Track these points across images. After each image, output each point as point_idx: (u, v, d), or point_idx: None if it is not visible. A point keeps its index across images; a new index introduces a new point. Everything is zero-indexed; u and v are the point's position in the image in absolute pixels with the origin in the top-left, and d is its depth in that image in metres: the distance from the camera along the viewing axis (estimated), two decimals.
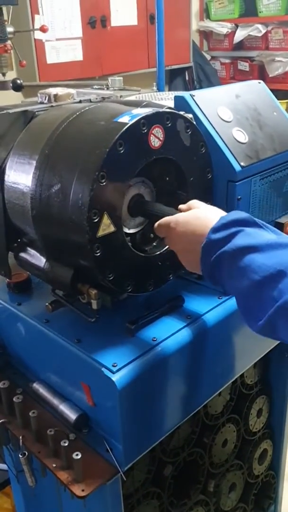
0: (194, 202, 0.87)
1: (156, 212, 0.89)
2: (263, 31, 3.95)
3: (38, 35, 2.80)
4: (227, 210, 1.02)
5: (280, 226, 1.15)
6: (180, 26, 3.70)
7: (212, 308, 1.05)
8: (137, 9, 3.27)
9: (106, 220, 0.82)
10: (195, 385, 1.05)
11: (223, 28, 4.12)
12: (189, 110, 1.00)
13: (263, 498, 1.65)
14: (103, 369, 0.90)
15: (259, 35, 3.98)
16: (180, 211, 0.87)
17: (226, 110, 1.06)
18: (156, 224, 0.87)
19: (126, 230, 0.94)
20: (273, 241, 0.72)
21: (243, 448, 1.48)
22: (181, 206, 0.88)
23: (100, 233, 0.82)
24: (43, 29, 2.45)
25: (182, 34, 3.73)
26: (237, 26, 4.11)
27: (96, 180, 0.78)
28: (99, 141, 0.80)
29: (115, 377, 0.88)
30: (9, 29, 2.28)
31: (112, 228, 0.83)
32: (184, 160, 0.93)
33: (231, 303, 1.07)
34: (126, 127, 0.80)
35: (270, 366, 1.51)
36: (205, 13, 4.29)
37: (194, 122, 0.97)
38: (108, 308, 1.02)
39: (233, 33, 4.13)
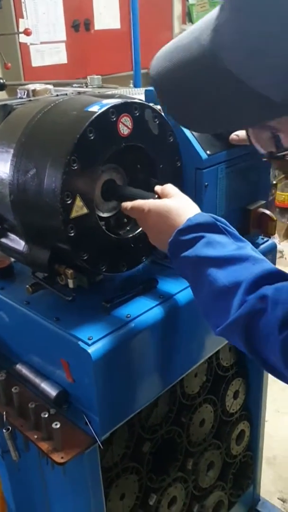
0: (168, 188, 0.94)
1: (128, 195, 0.95)
2: None
3: (23, 38, 2.87)
4: (196, 195, 1.10)
5: (248, 212, 1.22)
6: (163, 29, 3.79)
7: (183, 289, 1.12)
8: (119, 13, 3.35)
9: (78, 202, 0.88)
10: (168, 360, 1.12)
11: None
12: (158, 102, 1.07)
13: (242, 478, 1.72)
14: (79, 342, 0.96)
15: None
16: (156, 193, 0.94)
17: None
18: (129, 205, 0.93)
19: (100, 214, 1.01)
20: (231, 255, 0.79)
21: (220, 428, 1.55)
22: (156, 188, 0.95)
23: (73, 214, 0.88)
24: (26, 32, 2.53)
25: (165, 37, 3.82)
26: None
27: (68, 164, 0.85)
28: (70, 128, 0.87)
29: (90, 349, 0.94)
30: None
31: (85, 210, 0.90)
32: (153, 148, 1.00)
33: None
34: (95, 115, 0.87)
35: None
36: (187, 16, 4.38)
37: (163, 113, 1.04)
38: (85, 289, 1.09)
39: None
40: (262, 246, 1.34)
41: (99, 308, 1.05)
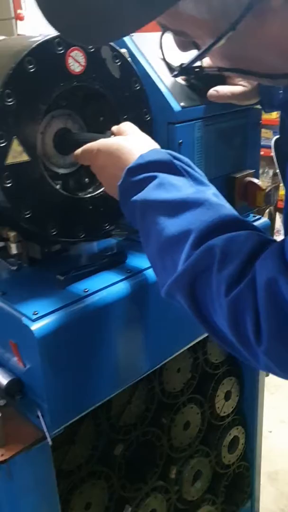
0: (124, 126, 0.80)
1: (82, 141, 0.82)
2: None
3: (21, 29, 2.79)
4: None
5: (232, 181, 1.07)
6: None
7: None
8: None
9: (16, 146, 0.75)
10: (137, 346, 0.97)
11: None
12: (125, 47, 0.94)
13: (236, 492, 1.54)
14: (23, 318, 0.82)
15: None
16: (112, 133, 0.81)
17: (171, 52, 0.99)
18: (79, 150, 0.79)
19: (55, 169, 0.88)
20: (183, 198, 0.64)
21: (209, 433, 1.38)
22: (113, 128, 0.81)
23: (10, 160, 0.75)
24: (19, 17, 2.44)
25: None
26: None
27: (1, 98, 0.71)
28: (8, 60, 0.74)
29: (34, 326, 0.80)
30: None
31: (25, 157, 0.76)
32: (114, 94, 0.86)
33: None
34: (36, 43, 0.74)
35: None
36: None
37: (129, 58, 0.90)
38: (41, 261, 0.95)
39: None
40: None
41: (53, 282, 0.90)
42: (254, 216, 1.22)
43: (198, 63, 0.63)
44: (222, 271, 0.56)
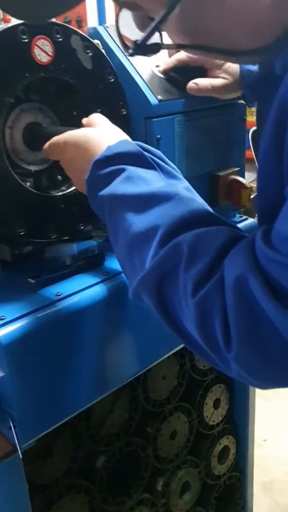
0: (94, 117, 0.76)
1: (51, 134, 0.77)
2: None
3: None
4: None
5: (216, 179, 1.03)
6: None
7: None
8: (114, 9, 3.23)
9: None
10: (115, 353, 0.92)
11: None
12: (99, 38, 0.90)
13: (227, 504, 1.48)
14: None
15: None
16: (82, 125, 0.77)
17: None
18: (47, 144, 0.75)
19: (25, 166, 0.83)
20: (153, 192, 0.60)
21: (198, 443, 1.33)
22: (83, 120, 0.77)
23: None
24: (6, 20, 2.40)
25: None
26: None
27: None
28: None
29: (0, 332, 0.75)
30: None
31: None
32: (86, 86, 0.82)
33: None
34: None
35: None
36: None
37: (103, 50, 0.86)
38: (12, 264, 0.90)
39: None
40: (239, 226, 1.14)
41: (25, 286, 0.86)
42: (240, 217, 1.17)
43: (156, 40, 0.59)
44: (189, 269, 0.51)
